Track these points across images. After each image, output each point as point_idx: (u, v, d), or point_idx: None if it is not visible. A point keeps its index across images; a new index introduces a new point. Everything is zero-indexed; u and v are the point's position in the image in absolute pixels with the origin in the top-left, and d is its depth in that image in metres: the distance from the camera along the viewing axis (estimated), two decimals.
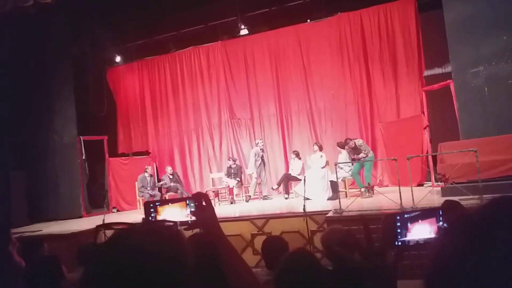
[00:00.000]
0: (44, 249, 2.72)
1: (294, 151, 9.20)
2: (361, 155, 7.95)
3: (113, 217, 8.79)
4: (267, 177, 10.27)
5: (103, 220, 6.92)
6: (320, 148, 8.60)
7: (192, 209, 1.23)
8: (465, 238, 0.60)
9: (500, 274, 0.56)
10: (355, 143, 8.05)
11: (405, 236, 1.41)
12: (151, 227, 0.90)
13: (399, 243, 1.42)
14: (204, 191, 9.13)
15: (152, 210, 1.29)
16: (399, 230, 1.42)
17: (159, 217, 1.29)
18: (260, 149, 9.34)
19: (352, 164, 8.04)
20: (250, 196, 9.29)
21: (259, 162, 9.25)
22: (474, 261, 0.57)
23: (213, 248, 1.14)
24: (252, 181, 9.34)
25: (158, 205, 1.32)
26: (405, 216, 1.42)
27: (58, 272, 2.47)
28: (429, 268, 0.62)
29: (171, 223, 1.23)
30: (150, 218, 1.28)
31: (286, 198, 8.87)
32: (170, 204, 1.32)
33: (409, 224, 1.42)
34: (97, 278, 0.76)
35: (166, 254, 0.77)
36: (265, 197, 9.21)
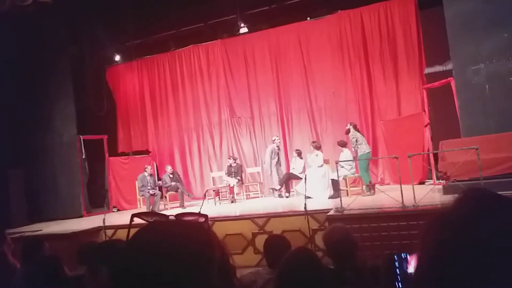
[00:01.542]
0: (45, 248, 2.71)
1: (296, 150, 9.15)
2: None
3: (113, 217, 8.77)
4: (268, 176, 10.26)
5: (103, 220, 6.92)
6: (317, 147, 8.51)
7: None
8: (444, 239, 0.63)
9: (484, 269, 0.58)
10: (349, 130, 8.14)
11: (407, 268, 1.40)
12: (181, 223, 0.88)
13: (400, 283, 1.41)
14: (204, 191, 9.13)
15: None
16: (398, 271, 1.40)
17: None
18: (277, 146, 9.22)
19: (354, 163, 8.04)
20: (275, 189, 9.09)
21: (275, 160, 9.16)
22: (458, 258, 0.60)
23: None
24: (274, 178, 9.18)
25: None
26: (402, 255, 1.41)
27: (59, 272, 2.45)
28: (417, 269, 0.65)
29: (203, 219, 1.20)
30: None
31: (287, 197, 8.85)
32: None
33: (408, 257, 1.41)
34: (125, 273, 0.74)
35: (195, 251, 0.75)
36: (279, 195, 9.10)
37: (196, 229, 0.83)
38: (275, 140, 9.31)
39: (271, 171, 9.13)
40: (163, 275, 0.71)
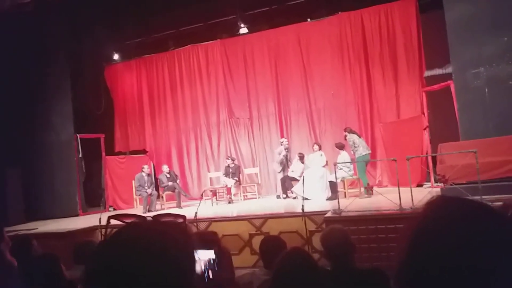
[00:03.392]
0: (34, 247, 2.68)
1: (299, 153, 8.99)
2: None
3: None
4: (266, 177, 10.24)
5: (100, 219, 6.87)
6: (320, 148, 8.58)
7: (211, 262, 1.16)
8: (410, 244, 0.66)
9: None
10: (346, 137, 8.11)
11: None
12: (159, 224, 0.87)
13: None
14: (201, 191, 9.13)
15: None
16: None
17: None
18: (285, 149, 9.15)
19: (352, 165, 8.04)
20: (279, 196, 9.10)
21: (284, 161, 9.07)
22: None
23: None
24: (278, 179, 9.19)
25: None
26: None
27: (57, 270, 2.43)
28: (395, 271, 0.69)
29: (181, 219, 1.19)
30: None
31: (285, 198, 8.81)
32: None
33: None
34: (100, 274, 0.73)
35: (173, 252, 0.75)
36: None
37: (174, 229, 0.82)
38: (283, 142, 9.26)
39: (279, 172, 9.12)
40: (140, 275, 0.70)
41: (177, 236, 0.79)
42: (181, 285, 0.74)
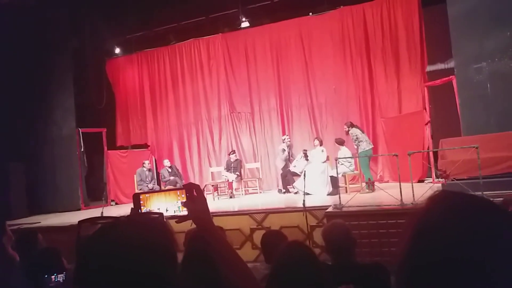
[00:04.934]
0: (39, 240, 2.71)
1: (304, 150, 8.94)
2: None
3: (111, 210, 8.77)
4: (267, 172, 10.26)
5: (102, 213, 6.91)
6: (321, 143, 8.56)
7: (183, 200, 1.19)
8: (412, 240, 0.66)
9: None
10: (348, 132, 8.13)
11: None
12: (136, 220, 0.87)
13: None
14: (203, 185, 9.16)
15: (141, 202, 1.27)
16: None
17: (147, 209, 1.26)
18: (287, 146, 9.17)
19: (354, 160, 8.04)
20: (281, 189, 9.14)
21: (285, 158, 9.10)
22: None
23: (205, 242, 1.11)
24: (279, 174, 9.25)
25: (147, 196, 1.29)
26: None
27: (59, 264, 2.46)
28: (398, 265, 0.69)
29: (157, 215, 1.20)
30: (139, 210, 1.26)
31: (284, 193, 8.83)
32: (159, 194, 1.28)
33: None
34: (83, 272, 0.74)
35: (152, 247, 0.75)
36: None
37: (152, 224, 0.83)
38: (285, 139, 9.27)
39: (282, 168, 9.15)
40: (122, 270, 0.71)
41: (156, 229, 0.80)
42: (163, 275, 0.75)
